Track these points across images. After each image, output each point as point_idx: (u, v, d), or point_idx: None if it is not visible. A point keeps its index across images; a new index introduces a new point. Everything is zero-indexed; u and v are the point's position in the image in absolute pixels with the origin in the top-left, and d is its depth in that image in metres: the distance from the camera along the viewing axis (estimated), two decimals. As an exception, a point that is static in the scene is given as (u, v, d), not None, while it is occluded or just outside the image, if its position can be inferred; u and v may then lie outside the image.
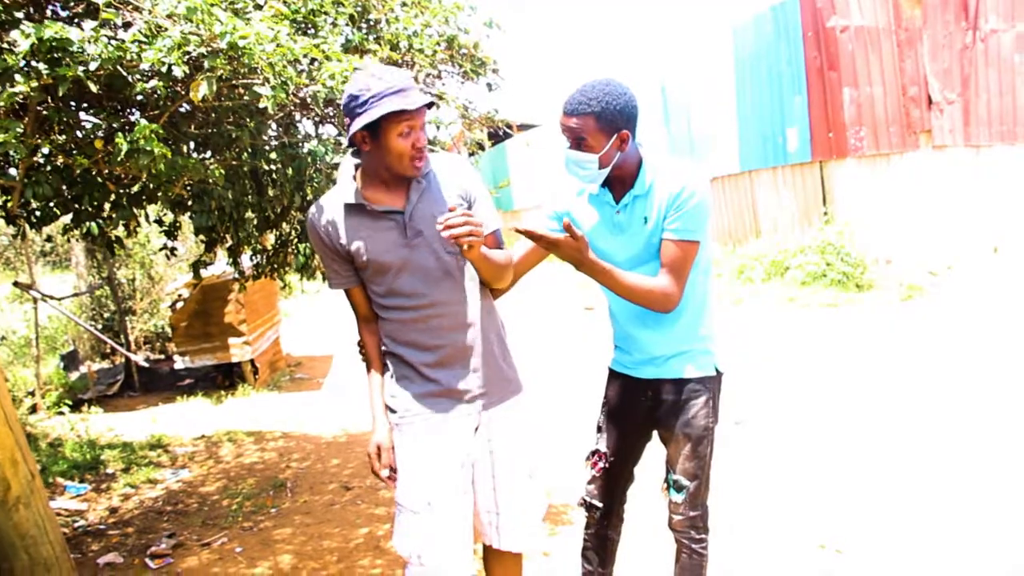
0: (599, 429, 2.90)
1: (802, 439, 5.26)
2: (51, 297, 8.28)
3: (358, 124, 2.29)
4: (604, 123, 2.47)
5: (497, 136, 19.21)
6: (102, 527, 4.99)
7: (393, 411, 2.53)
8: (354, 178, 2.46)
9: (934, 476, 4.44)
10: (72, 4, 3.26)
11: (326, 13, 3.60)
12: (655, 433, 2.83)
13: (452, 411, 2.48)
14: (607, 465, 2.84)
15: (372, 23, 4.11)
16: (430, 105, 2.37)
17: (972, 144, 11.84)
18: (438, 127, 4.37)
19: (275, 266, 4.58)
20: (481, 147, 5.35)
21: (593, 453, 2.88)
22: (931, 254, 11.01)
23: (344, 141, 3.91)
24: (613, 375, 2.88)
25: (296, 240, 4.45)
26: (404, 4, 4.12)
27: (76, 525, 5.02)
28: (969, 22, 11.82)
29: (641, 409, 2.77)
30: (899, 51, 11.44)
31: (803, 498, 4.33)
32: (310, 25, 3.51)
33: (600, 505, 2.87)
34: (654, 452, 2.85)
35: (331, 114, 4.01)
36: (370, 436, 2.58)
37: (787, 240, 11.87)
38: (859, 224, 11.12)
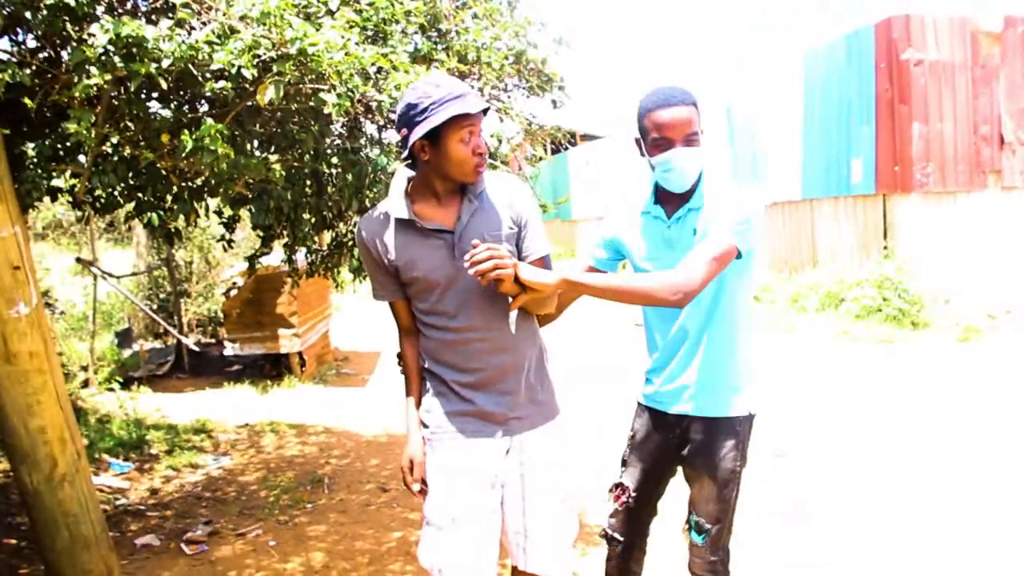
0: (623, 463, 2.84)
1: (843, 475, 5.16)
2: (111, 275, 8.48)
3: (420, 131, 2.24)
4: (699, 113, 2.48)
5: (557, 146, 19.24)
6: (142, 507, 5.10)
7: (426, 426, 2.54)
8: (406, 192, 2.43)
9: (973, 523, 4.32)
10: (151, 0, 3.34)
11: (397, 22, 3.63)
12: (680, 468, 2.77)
13: (484, 432, 2.47)
14: (629, 500, 2.78)
15: (442, 33, 4.13)
16: (487, 111, 2.35)
17: (1043, 187, 11.54)
18: (500, 141, 4.38)
19: (329, 266, 4.63)
20: (539, 158, 5.36)
21: (616, 486, 2.82)
22: (991, 296, 10.73)
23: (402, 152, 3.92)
24: (641, 408, 2.81)
25: (351, 243, 4.49)
26: (475, 16, 4.14)
27: (117, 503, 5.13)
28: (1050, 62, 11.52)
29: (668, 446, 2.71)
30: (974, 88, 11.18)
31: (839, 535, 4.25)
32: (380, 33, 3.54)
33: (621, 539, 2.81)
34: (682, 485, 2.82)
35: (395, 121, 4.04)
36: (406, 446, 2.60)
37: (844, 272, 11.67)
38: (919, 261, 10.89)
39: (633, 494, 2.77)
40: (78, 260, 8.57)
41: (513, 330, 2.44)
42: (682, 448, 2.67)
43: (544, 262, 2.50)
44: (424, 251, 2.39)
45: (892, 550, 4.03)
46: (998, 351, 8.94)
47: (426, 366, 2.54)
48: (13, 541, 4.36)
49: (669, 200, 2.60)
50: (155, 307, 11.25)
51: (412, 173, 2.45)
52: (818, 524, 4.39)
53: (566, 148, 19.89)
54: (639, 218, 2.69)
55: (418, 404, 2.59)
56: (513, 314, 2.43)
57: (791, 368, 8.47)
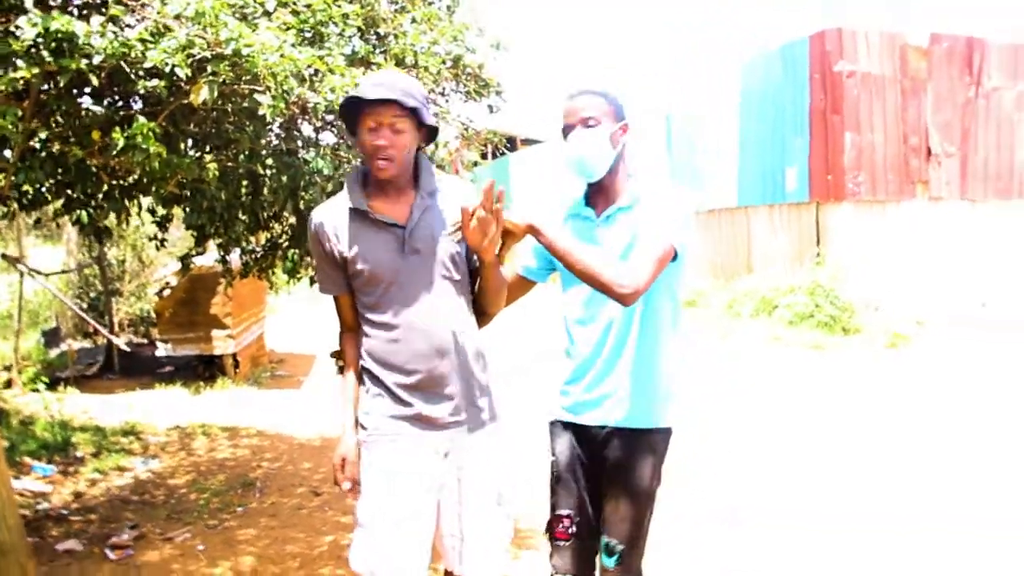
0: (553, 492, 2.63)
1: (775, 481, 5.26)
2: (38, 272, 8.24)
3: (345, 122, 2.42)
4: (612, 106, 2.50)
5: (496, 150, 19.24)
6: (65, 512, 4.97)
7: (364, 428, 2.49)
8: (363, 185, 2.45)
9: (900, 529, 4.45)
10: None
11: (334, 24, 3.62)
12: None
13: (422, 436, 2.43)
14: (572, 529, 2.56)
15: (380, 36, 4.13)
16: (413, 110, 2.32)
17: (968, 198, 11.95)
18: (437, 145, 4.38)
19: (263, 267, 4.58)
20: (475, 163, 5.37)
21: (554, 520, 2.61)
22: (919, 303, 11.06)
23: (342, 153, 3.91)
24: (559, 428, 2.64)
25: (287, 244, 4.45)
26: (414, 20, 4.14)
27: (38, 508, 5.00)
28: (973, 77, 11.94)
29: (596, 460, 2.55)
30: (903, 100, 11.53)
31: (771, 540, 4.33)
32: (317, 35, 3.52)
33: None
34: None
35: (331, 122, 4.03)
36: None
37: (778, 278, 11.91)
38: (850, 268, 11.18)
39: (577, 519, 2.56)
40: (3, 256, 8.31)
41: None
42: (605, 462, 2.53)
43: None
44: (373, 244, 2.39)
45: (822, 556, 4.10)
46: (925, 357, 9.23)
47: (365, 366, 2.51)
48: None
49: (598, 200, 2.58)
50: (85, 306, 10.98)
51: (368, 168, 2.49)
52: (751, 529, 4.45)
53: (503, 153, 19.94)
54: (568, 222, 2.65)
55: (355, 403, 2.55)
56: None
57: (725, 373, 8.62)
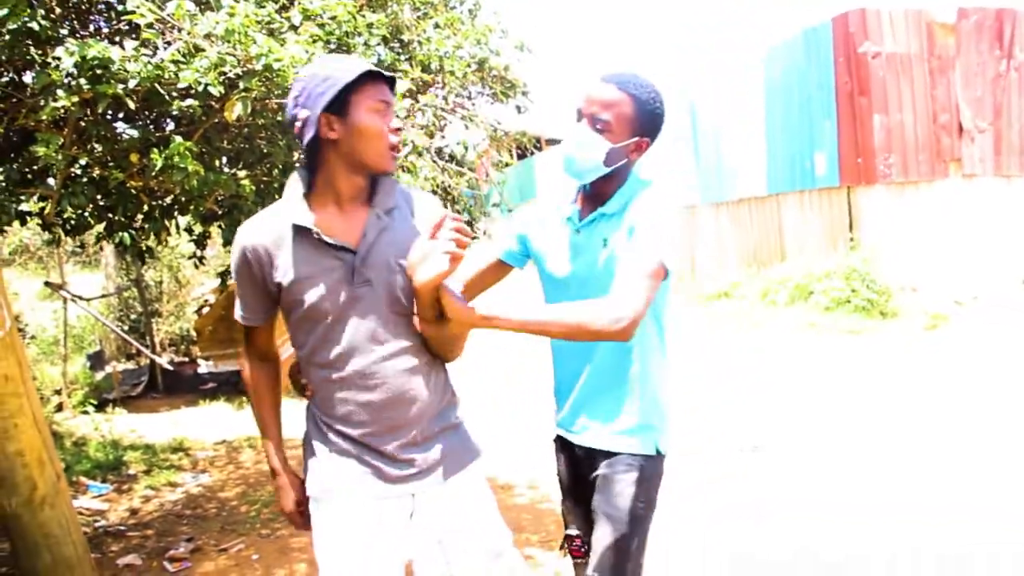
0: (563, 510, 2.53)
1: (809, 472, 5.21)
2: (80, 297, 8.41)
3: (326, 98, 1.90)
4: (638, 115, 2.15)
5: (524, 151, 19.29)
6: (122, 528, 5.08)
7: (311, 482, 2.12)
8: (304, 197, 2.02)
9: (937, 519, 4.35)
10: (114, 22, 3.36)
11: (359, 34, 3.67)
12: None
13: (383, 495, 2.06)
14: (587, 547, 2.40)
15: (404, 43, 4.19)
16: (393, 85, 2.04)
17: (1002, 174, 11.77)
18: (466, 148, 4.43)
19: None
20: (506, 164, 5.41)
21: (565, 540, 2.50)
22: (958, 283, 10.93)
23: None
24: (558, 445, 2.49)
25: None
26: (437, 26, 4.19)
27: (97, 525, 5.11)
28: (1003, 51, 11.76)
29: (590, 479, 2.36)
30: (931, 78, 11.39)
31: (797, 533, 4.28)
32: (343, 46, 3.58)
33: None
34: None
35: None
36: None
37: (812, 264, 11.82)
38: (885, 251, 11.07)
39: (587, 539, 2.40)
40: (47, 284, 8.50)
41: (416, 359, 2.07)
42: (595, 484, 2.33)
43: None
44: (316, 271, 1.98)
45: (852, 547, 4.03)
46: (965, 337, 9.12)
47: (310, 407, 2.16)
48: (-6, 567, 4.34)
49: (586, 202, 2.32)
50: (126, 328, 11.17)
51: (307, 175, 2.08)
52: (779, 522, 4.36)
53: (532, 153, 20.05)
54: (554, 216, 2.39)
55: (278, 442, 2.23)
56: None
57: (760, 363, 8.58)
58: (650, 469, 2.27)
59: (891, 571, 3.79)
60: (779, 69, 12.52)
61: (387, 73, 2.00)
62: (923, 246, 11.25)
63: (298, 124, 1.96)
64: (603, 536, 2.24)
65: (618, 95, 2.13)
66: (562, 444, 2.47)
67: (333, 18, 3.49)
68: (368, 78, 1.94)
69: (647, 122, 2.18)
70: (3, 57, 2.99)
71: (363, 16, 3.61)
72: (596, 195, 2.28)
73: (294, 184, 2.05)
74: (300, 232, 1.97)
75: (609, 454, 2.28)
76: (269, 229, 2.00)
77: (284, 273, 1.98)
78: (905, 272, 11.02)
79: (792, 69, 12.22)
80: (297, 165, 1.93)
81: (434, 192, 3.76)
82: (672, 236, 2.13)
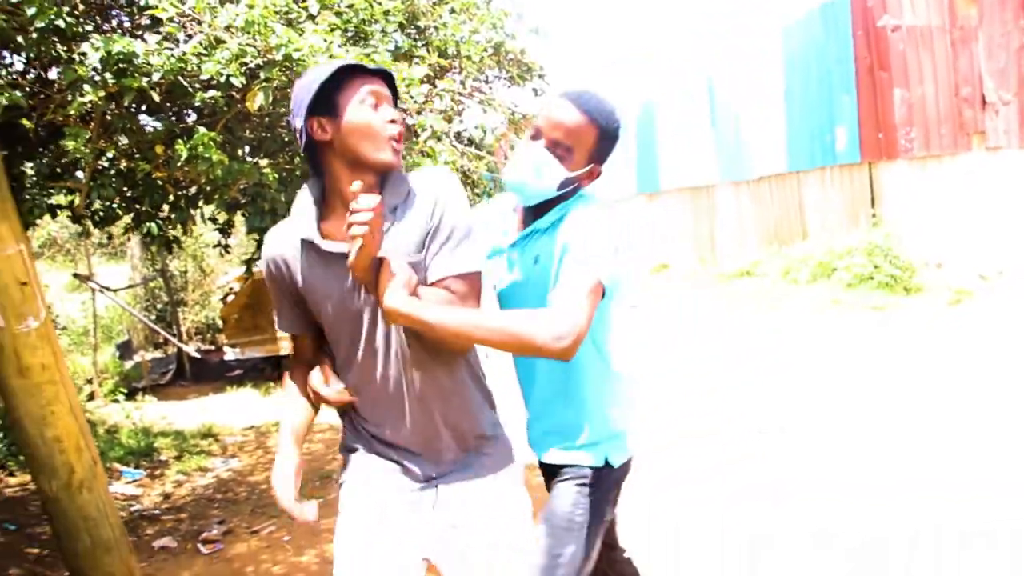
0: None
1: (830, 451, 5.18)
2: (108, 288, 8.55)
3: (306, 100, 1.85)
4: (599, 143, 2.07)
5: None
6: (156, 512, 5.20)
7: (343, 466, 2.14)
8: (319, 203, 1.97)
9: (954, 497, 4.31)
10: (136, 16, 3.42)
11: (376, 22, 3.72)
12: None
13: (408, 487, 2.04)
14: None
15: (421, 29, 4.23)
16: (389, 79, 1.96)
17: (1027, 146, 11.65)
18: (485, 131, 4.47)
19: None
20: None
21: None
22: (982, 258, 10.84)
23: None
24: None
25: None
26: (452, 11, 4.23)
27: (132, 509, 5.23)
28: (1027, 21, 11.62)
29: None
30: (953, 50, 11.27)
31: (835, 508, 4.31)
32: (360, 34, 3.63)
33: None
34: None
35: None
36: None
37: (834, 241, 11.77)
38: (908, 226, 11.00)
39: None
40: (75, 276, 8.64)
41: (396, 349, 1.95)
42: None
43: (467, 282, 1.93)
44: (327, 280, 1.93)
45: (873, 527, 4.04)
46: (990, 312, 9.06)
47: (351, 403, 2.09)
48: (35, 550, 4.46)
49: (524, 214, 2.21)
50: (153, 318, 11.34)
51: (321, 185, 2.01)
52: (799, 502, 4.35)
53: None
54: (499, 227, 2.27)
55: (291, 427, 2.14)
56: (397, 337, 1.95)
57: (782, 341, 8.58)
58: (595, 478, 2.15)
59: (913, 549, 3.76)
60: (797, 45, 12.43)
61: (371, 65, 1.92)
62: (947, 221, 11.16)
63: (296, 135, 1.92)
64: (537, 539, 2.11)
65: (583, 122, 2.02)
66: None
67: (350, 6, 3.54)
68: (352, 73, 1.88)
69: (606, 150, 2.11)
70: (31, 54, 3.06)
71: (379, 3, 3.65)
72: (534, 210, 2.17)
73: (305, 193, 1.98)
74: (305, 244, 1.93)
75: (561, 467, 2.18)
76: (287, 240, 1.98)
77: (302, 284, 1.96)
78: (929, 247, 10.95)
79: (810, 44, 12.13)
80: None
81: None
82: (609, 251, 1.98)
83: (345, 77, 1.87)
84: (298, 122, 1.89)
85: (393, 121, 1.89)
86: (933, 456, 4.88)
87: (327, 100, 1.85)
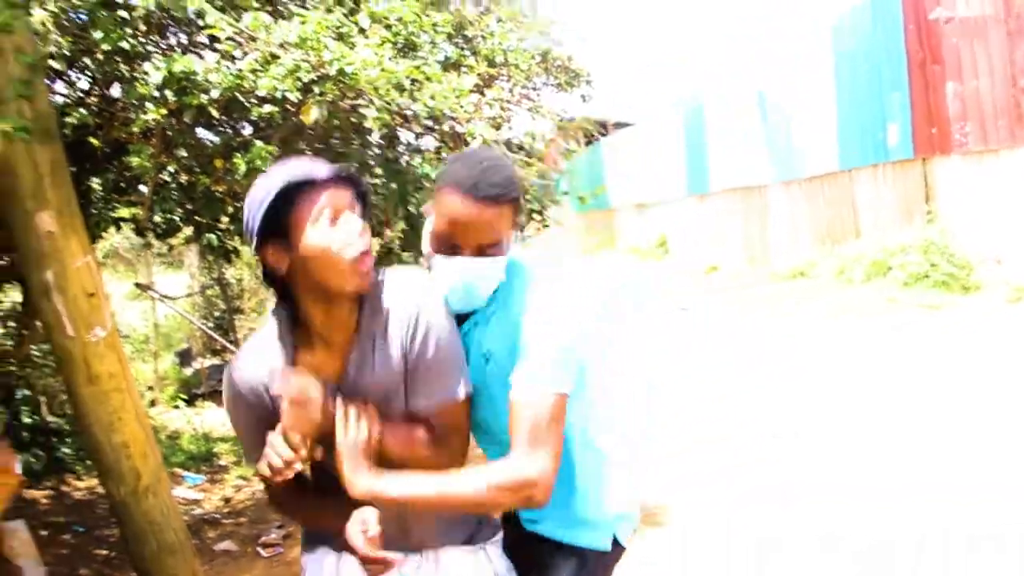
0: None
1: (855, 450, 5.06)
2: (167, 297, 8.76)
3: (258, 230, 1.60)
4: (518, 212, 1.80)
5: (590, 136, 19.32)
6: (217, 516, 5.33)
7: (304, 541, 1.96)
8: (291, 329, 1.73)
9: (978, 488, 4.23)
10: (194, 34, 3.54)
11: (425, 33, 3.79)
12: None
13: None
14: None
15: (468, 39, 4.29)
16: (361, 194, 1.71)
17: (1088, 137, 11.36)
18: (534, 138, 4.52)
19: (377, 271, 4.80)
20: (573, 151, 5.48)
21: None
22: (1043, 253, 10.60)
23: (444, 156, 4.04)
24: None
25: (400, 248, 4.66)
26: (499, 20, 4.29)
27: (194, 513, 5.37)
28: (1086, 10, 11.34)
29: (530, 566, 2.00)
30: (1009, 41, 11.03)
31: (842, 510, 4.19)
32: (410, 46, 3.70)
33: None
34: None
35: (431, 127, 4.21)
36: None
37: (888, 239, 11.59)
38: (964, 222, 10.79)
39: None
40: (136, 285, 8.88)
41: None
42: None
43: (446, 414, 1.74)
44: None
45: (877, 531, 3.95)
46: (1050, 308, 8.85)
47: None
48: (104, 552, 4.61)
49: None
50: (211, 325, 11.58)
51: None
52: (805, 506, 4.28)
53: (597, 139, 20.04)
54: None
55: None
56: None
57: (834, 343, 8.48)
58: (595, 562, 1.97)
59: (920, 552, 3.69)
60: (846, 41, 12.28)
61: (319, 176, 1.61)
62: (1006, 216, 10.91)
63: (252, 248, 1.67)
64: None
65: (497, 212, 1.70)
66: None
67: (400, 19, 3.61)
68: (302, 186, 1.59)
69: (520, 209, 1.86)
70: (96, 74, 3.19)
71: (428, 16, 3.72)
72: None
73: (279, 316, 1.74)
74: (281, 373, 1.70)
75: (558, 545, 1.96)
76: (259, 367, 1.73)
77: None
78: (987, 243, 10.73)
79: (860, 40, 11.98)
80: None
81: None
82: (565, 344, 1.73)
83: (295, 191, 1.59)
84: (251, 249, 1.67)
85: (357, 233, 1.62)
86: (949, 459, 4.74)
87: (279, 221, 1.59)
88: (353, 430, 1.62)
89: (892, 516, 4.05)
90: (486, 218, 1.68)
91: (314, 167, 1.61)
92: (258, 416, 1.72)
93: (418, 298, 1.71)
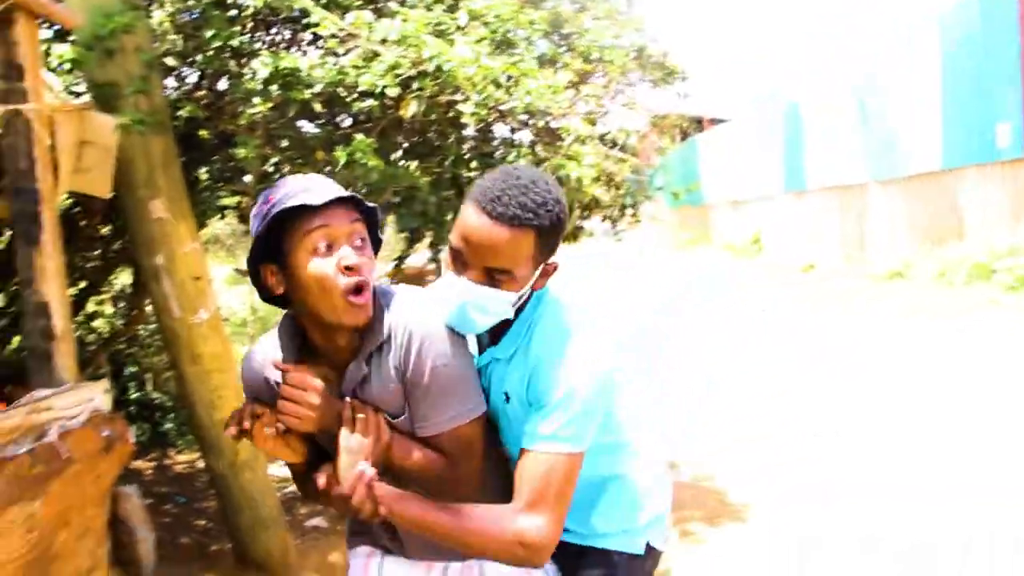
0: None
1: (909, 449, 4.92)
2: (265, 282, 9.06)
3: (256, 248, 1.57)
4: (543, 244, 1.60)
5: (685, 133, 19.13)
6: (308, 495, 5.52)
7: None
8: (299, 346, 1.68)
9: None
10: (300, 31, 3.68)
11: (522, 30, 3.85)
12: None
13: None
14: None
15: (564, 36, 4.33)
16: (369, 215, 1.62)
17: None
18: (628, 134, 4.53)
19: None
20: (665, 148, 5.48)
21: None
22: None
23: (539, 150, 4.09)
24: None
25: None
26: (595, 17, 4.31)
27: (286, 491, 5.57)
28: None
29: None
30: None
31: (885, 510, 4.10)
32: (506, 42, 3.76)
33: None
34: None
35: (526, 122, 4.27)
36: None
37: (994, 242, 11.16)
38: (1078, 226, 10.33)
39: None
40: (236, 270, 9.20)
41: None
42: None
43: (454, 439, 1.63)
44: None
45: (920, 531, 3.84)
46: None
47: None
48: (202, 522, 4.84)
49: (495, 328, 1.71)
50: (305, 310, 11.93)
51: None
52: (846, 505, 4.20)
53: (692, 135, 19.81)
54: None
55: None
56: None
57: (931, 343, 8.22)
58: (627, 567, 1.89)
59: (965, 554, 3.59)
60: (953, 36, 11.84)
61: (314, 201, 1.49)
62: (1122, 220, 10.41)
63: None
64: None
65: (510, 236, 1.54)
66: None
67: (497, 16, 3.67)
68: (298, 212, 1.50)
69: (553, 243, 1.64)
70: (207, 70, 3.34)
71: (525, 13, 3.77)
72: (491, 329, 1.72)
73: (285, 329, 1.69)
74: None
75: (592, 551, 1.88)
76: (267, 362, 1.69)
77: None
78: (1101, 249, 10.25)
79: (969, 35, 11.54)
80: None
81: (597, 179, 3.88)
82: (589, 395, 1.59)
83: (290, 217, 1.50)
84: (250, 266, 1.62)
85: (350, 268, 1.51)
86: (999, 463, 4.54)
87: (276, 243, 1.54)
88: (359, 431, 1.55)
89: (936, 517, 3.97)
90: (497, 239, 1.53)
91: (310, 190, 1.52)
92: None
93: (415, 321, 1.59)
